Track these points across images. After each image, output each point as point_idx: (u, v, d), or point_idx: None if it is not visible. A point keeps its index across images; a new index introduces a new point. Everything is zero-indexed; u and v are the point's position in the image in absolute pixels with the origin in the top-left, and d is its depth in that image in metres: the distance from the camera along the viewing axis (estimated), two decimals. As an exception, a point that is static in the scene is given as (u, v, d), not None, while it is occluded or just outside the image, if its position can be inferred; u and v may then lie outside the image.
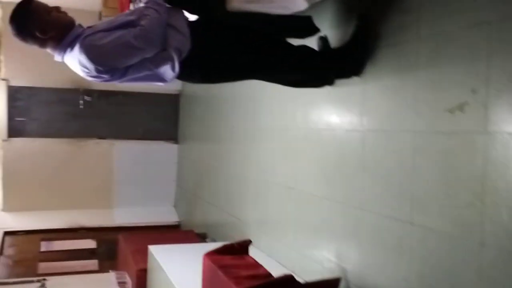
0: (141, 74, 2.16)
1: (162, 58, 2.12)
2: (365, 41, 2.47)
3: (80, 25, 2.15)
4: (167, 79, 2.22)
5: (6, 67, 5.45)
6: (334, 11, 2.76)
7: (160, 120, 6.25)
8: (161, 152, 6.20)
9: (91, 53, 1.98)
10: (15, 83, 5.58)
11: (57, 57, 2.15)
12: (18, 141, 5.63)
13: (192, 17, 2.37)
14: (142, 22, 2.05)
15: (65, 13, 2.15)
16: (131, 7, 3.75)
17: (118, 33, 2.03)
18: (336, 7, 2.72)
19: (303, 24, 2.55)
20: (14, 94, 5.59)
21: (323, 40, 2.69)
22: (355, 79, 2.56)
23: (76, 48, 2.00)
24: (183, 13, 2.29)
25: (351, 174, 2.57)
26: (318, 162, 2.91)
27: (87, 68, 2.03)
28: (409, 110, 2.17)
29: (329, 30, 2.72)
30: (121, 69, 2.09)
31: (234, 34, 2.35)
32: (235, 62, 2.34)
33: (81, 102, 5.80)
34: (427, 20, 2.08)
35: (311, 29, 2.57)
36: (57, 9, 2.12)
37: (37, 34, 2.03)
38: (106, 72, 2.08)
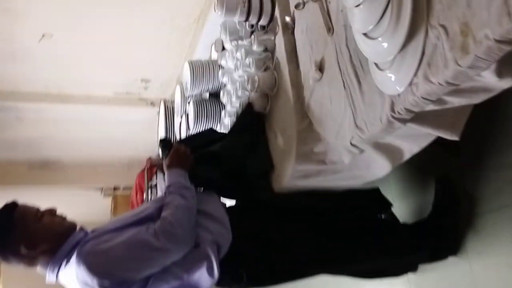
0: (167, 287, 1.56)
1: (194, 259, 1.58)
2: (454, 209, 1.94)
3: (82, 229, 1.65)
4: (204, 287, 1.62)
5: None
6: (400, 175, 2.25)
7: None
8: None
9: (93, 262, 1.44)
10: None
11: (49, 278, 1.57)
12: None
13: (230, 201, 1.94)
14: (164, 214, 1.57)
15: (61, 217, 1.64)
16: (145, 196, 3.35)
17: (131, 232, 1.53)
18: (403, 169, 2.21)
19: (370, 198, 2.01)
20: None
21: (389, 217, 2.14)
22: (451, 259, 1.94)
23: (73, 259, 1.47)
24: (217, 196, 1.86)
25: None
26: None
27: (88, 286, 1.45)
28: None
29: (397, 201, 2.18)
30: (137, 282, 1.51)
31: (288, 218, 1.85)
32: (293, 257, 1.80)
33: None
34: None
35: (382, 204, 2.03)
36: (50, 212, 1.62)
37: (23, 250, 1.51)
38: None
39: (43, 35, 2.89)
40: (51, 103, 3.60)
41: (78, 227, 1.64)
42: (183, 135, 2.70)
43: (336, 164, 1.65)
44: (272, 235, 1.79)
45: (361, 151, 1.48)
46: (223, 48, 2.42)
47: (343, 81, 1.43)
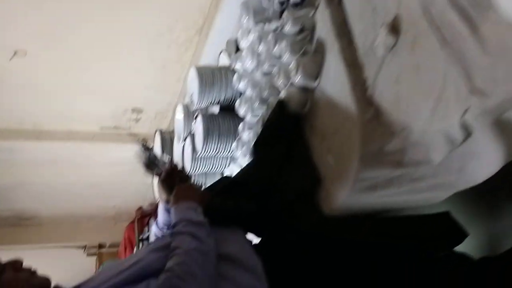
0: None
1: None
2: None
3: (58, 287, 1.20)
4: None
5: None
6: (461, 198, 1.81)
7: None
8: None
9: None
10: None
11: None
12: None
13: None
14: (170, 264, 1.13)
15: (29, 272, 1.20)
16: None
17: None
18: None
19: (439, 226, 1.55)
20: None
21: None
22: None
23: None
24: (241, 231, 1.42)
25: None
26: None
27: None
28: None
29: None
30: None
31: (340, 258, 1.39)
32: None
33: None
34: None
35: (454, 234, 1.56)
36: (14, 266, 1.18)
37: None
38: None
39: (15, 52, 2.47)
40: (25, 140, 3.13)
41: (52, 286, 1.20)
42: (187, 164, 2.24)
43: (419, 165, 1.21)
44: (321, 279, 1.34)
45: (468, 136, 1.05)
46: (237, 50, 2.03)
47: (439, 37, 1.02)
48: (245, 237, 1.44)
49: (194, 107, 2.07)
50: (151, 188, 3.43)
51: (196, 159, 2.14)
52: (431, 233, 1.50)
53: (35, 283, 1.16)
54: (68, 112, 3.10)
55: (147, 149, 1.56)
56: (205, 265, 1.15)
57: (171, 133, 2.93)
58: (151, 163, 1.54)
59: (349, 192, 1.29)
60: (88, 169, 3.64)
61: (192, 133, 2.18)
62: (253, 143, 1.68)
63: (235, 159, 2.14)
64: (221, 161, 2.18)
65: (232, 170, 2.20)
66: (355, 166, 1.26)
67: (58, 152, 3.33)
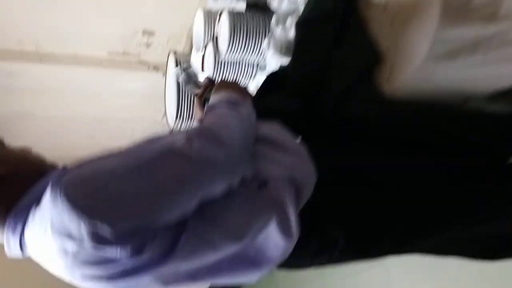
0: (212, 255, 0.92)
1: (257, 206, 0.95)
2: None
3: (65, 168, 0.97)
4: (272, 261, 0.99)
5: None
6: None
7: None
8: None
9: (79, 192, 0.80)
10: None
11: (9, 245, 0.93)
12: None
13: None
14: (204, 121, 1.03)
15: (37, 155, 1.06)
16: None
17: (145, 149, 0.92)
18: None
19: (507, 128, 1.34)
20: None
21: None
22: None
23: (47, 196, 0.82)
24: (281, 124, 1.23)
25: None
26: None
27: (73, 240, 0.80)
28: None
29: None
30: (160, 232, 0.86)
31: (402, 148, 1.20)
32: (413, 208, 1.16)
33: None
34: None
35: None
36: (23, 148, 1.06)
37: None
38: (122, 243, 0.80)
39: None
40: (27, 63, 2.89)
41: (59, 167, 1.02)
42: (209, 73, 2.01)
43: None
44: (382, 173, 1.15)
45: None
46: None
47: None
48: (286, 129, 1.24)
49: (217, 5, 1.83)
50: (160, 127, 3.24)
51: (220, 64, 1.90)
52: (502, 133, 1.29)
53: (43, 159, 1.02)
54: (72, 33, 2.85)
55: (188, 66, 1.43)
56: (243, 133, 0.96)
57: (187, 57, 2.72)
58: (190, 80, 1.42)
59: (425, 57, 1.06)
60: (94, 101, 3.40)
61: (215, 36, 1.93)
62: (295, 23, 1.44)
63: (264, 66, 1.90)
64: (248, 69, 1.94)
65: (259, 82, 1.97)
66: (434, 23, 1.02)
67: (62, 79, 3.10)
